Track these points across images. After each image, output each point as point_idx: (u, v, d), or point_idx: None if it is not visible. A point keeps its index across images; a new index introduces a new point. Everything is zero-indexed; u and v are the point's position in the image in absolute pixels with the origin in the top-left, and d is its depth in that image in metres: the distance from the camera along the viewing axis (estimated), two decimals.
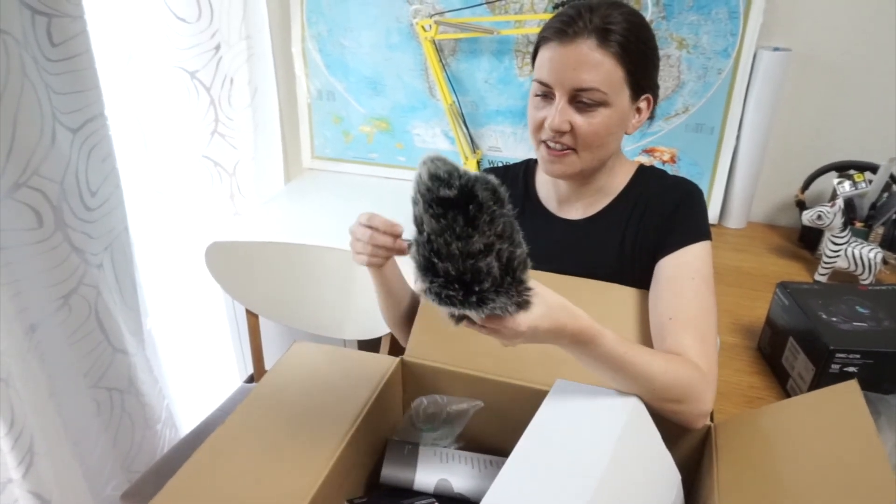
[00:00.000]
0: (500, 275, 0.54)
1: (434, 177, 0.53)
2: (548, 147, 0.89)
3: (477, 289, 0.53)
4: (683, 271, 0.84)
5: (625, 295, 0.87)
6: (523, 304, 0.57)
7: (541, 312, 0.59)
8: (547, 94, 0.87)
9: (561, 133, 0.86)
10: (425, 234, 0.53)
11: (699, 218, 0.90)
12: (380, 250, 0.81)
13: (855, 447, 0.59)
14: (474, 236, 0.53)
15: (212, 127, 1.61)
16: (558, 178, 0.94)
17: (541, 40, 0.87)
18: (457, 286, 0.53)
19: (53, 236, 1.06)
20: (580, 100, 0.84)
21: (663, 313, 0.81)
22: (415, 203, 0.55)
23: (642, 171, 0.98)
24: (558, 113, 0.85)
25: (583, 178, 0.95)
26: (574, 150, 0.88)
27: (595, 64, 0.82)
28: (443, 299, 0.54)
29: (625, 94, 0.86)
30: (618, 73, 0.84)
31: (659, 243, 0.89)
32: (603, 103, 0.84)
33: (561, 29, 0.83)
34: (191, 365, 1.68)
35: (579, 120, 0.85)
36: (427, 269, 0.54)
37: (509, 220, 0.55)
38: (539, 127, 0.89)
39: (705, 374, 0.74)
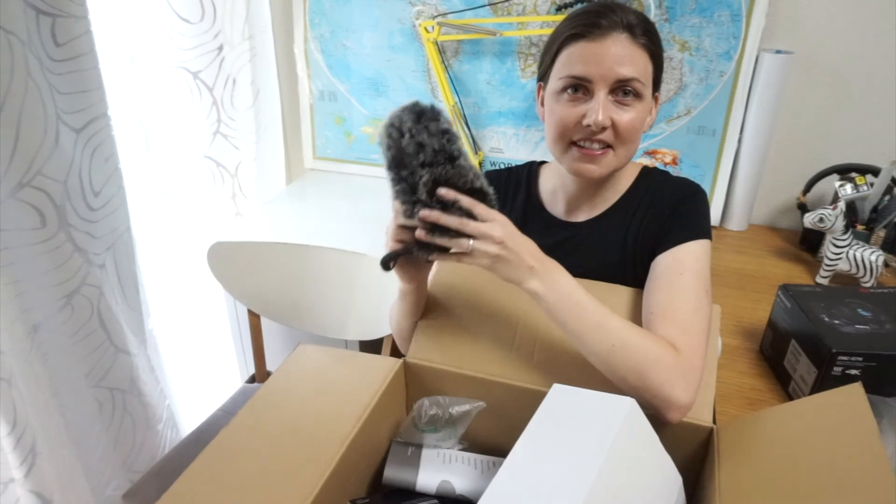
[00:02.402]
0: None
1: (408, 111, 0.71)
2: (580, 147, 0.87)
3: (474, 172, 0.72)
4: (674, 267, 0.83)
5: (628, 295, 0.87)
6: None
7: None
8: (578, 89, 0.85)
9: (602, 129, 0.84)
10: (443, 142, 0.70)
11: (699, 217, 0.89)
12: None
13: (858, 451, 0.59)
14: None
15: (214, 127, 1.61)
16: (593, 179, 0.91)
17: (567, 38, 0.85)
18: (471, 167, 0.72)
19: (56, 236, 1.06)
20: (620, 91, 0.84)
21: (649, 308, 0.81)
22: (423, 132, 0.70)
23: (646, 172, 0.98)
24: (602, 108, 0.83)
25: (599, 181, 0.93)
26: (611, 147, 0.86)
27: (632, 57, 0.83)
28: (477, 179, 0.72)
29: (650, 90, 0.87)
30: (649, 67, 0.85)
31: (657, 241, 0.88)
32: (639, 96, 0.84)
33: (593, 23, 0.83)
34: (192, 365, 1.69)
35: (619, 115, 0.84)
36: (457, 164, 0.71)
37: None
38: (572, 126, 0.86)
39: (680, 357, 0.72)
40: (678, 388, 0.71)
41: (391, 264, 0.76)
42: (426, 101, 0.71)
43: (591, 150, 0.86)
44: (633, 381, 0.72)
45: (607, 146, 0.86)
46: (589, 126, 0.84)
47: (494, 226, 0.70)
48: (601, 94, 0.83)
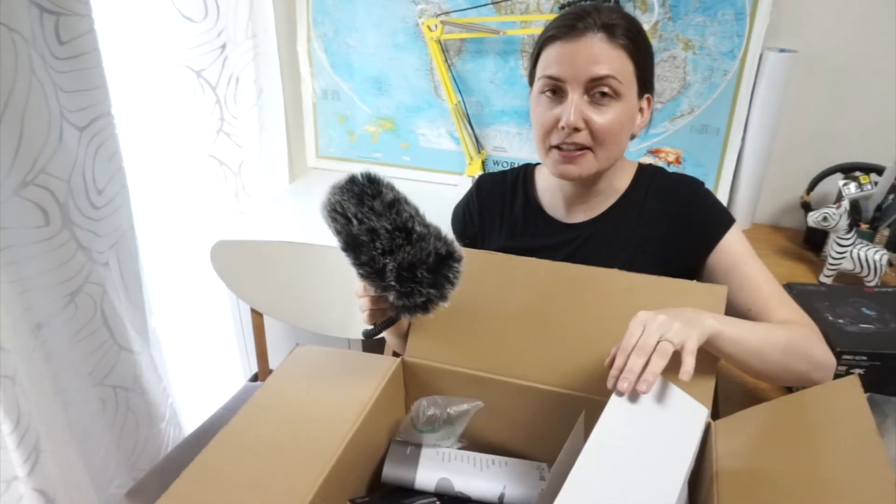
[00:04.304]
0: None
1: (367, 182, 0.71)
2: (560, 150, 0.88)
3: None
4: (734, 262, 0.88)
5: (642, 280, 0.85)
6: None
7: None
8: (556, 90, 0.86)
9: (576, 130, 0.85)
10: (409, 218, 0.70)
11: (715, 208, 0.93)
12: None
13: (855, 442, 0.59)
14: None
15: (217, 126, 1.61)
16: (573, 179, 0.92)
17: (545, 41, 0.87)
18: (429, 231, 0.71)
19: (60, 234, 1.06)
20: (595, 91, 0.84)
21: (744, 305, 0.85)
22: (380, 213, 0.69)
23: (643, 170, 0.98)
24: (574, 108, 0.84)
25: (592, 181, 0.94)
26: (589, 149, 0.87)
27: (608, 57, 0.83)
28: (440, 243, 0.70)
29: (633, 90, 0.87)
30: (628, 66, 0.85)
31: (692, 247, 0.91)
32: (617, 95, 0.84)
33: (569, 25, 0.84)
34: (195, 363, 1.69)
35: (594, 115, 0.85)
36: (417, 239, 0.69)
37: None
38: (550, 129, 0.87)
39: (809, 328, 0.81)
40: (829, 353, 0.80)
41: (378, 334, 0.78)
42: (359, 170, 0.70)
43: (569, 153, 0.87)
44: (805, 367, 0.78)
45: (586, 148, 0.87)
46: (563, 127, 0.85)
47: (645, 330, 0.65)
48: (574, 95, 0.84)
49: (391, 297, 0.71)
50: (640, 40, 0.86)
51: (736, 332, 0.72)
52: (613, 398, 0.61)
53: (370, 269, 0.70)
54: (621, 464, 0.56)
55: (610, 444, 0.57)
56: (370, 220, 0.68)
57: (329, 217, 0.70)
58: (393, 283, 0.69)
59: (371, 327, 0.79)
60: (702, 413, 0.65)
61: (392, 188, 0.71)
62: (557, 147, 0.88)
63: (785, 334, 0.78)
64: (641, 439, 0.59)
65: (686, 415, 0.65)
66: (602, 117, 0.85)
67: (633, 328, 0.66)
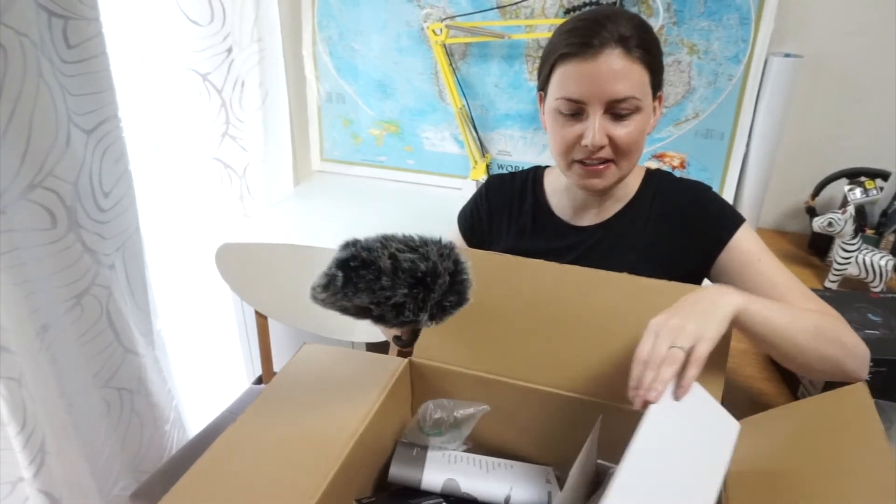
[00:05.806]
0: None
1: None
2: (583, 164, 0.88)
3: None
4: (747, 259, 0.87)
5: (652, 285, 0.85)
6: None
7: None
8: (575, 111, 0.85)
9: (600, 148, 0.85)
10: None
11: (724, 209, 0.92)
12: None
13: (863, 450, 0.59)
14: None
15: (222, 129, 1.62)
16: (598, 192, 0.92)
17: (559, 58, 0.85)
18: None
19: (66, 237, 1.07)
20: (616, 110, 0.83)
21: None
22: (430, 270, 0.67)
23: (651, 174, 0.99)
24: (598, 129, 0.83)
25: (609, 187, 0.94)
26: (612, 161, 0.87)
27: (627, 73, 0.82)
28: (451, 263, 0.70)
29: (650, 97, 0.87)
30: (645, 77, 0.84)
31: (700, 249, 0.91)
32: (637, 110, 0.84)
33: (584, 43, 0.81)
34: (200, 366, 1.69)
35: (617, 131, 0.84)
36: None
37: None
38: (571, 146, 0.87)
39: (837, 317, 0.79)
40: (859, 340, 0.77)
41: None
42: (336, 257, 0.69)
43: (594, 167, 0.87)
44: (839, 353, 0.75)
45: (609, 161, 0.87)
46: (587, 146, 0.84)
47: (657, 339, 0.65)
48: (596, 115, 0.83)
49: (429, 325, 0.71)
50: (653, 46, 0.85)
51: (764, 309, 0.71)
52: (648, 411, 0.61)
53: (406, 324, 0.70)
54: (661, 475, 0.57)
55: (650, 456, 0.57)
56: (389, 299, 0.66)
57: (363, 317, 0.70)
58: (429, 322, 0.70)
59: (404, 339, 0.84)
60: (734, 428, 0.66)
61: (380, 248, 0.66)
62: (579, 161, 0.88)
63: (814, 319, 0.76)
64: (679, 453, 0.60)
65: (720, 429, 0.65)
66: (624, 130, 0.84)
67: (646, 337, 0.66)
